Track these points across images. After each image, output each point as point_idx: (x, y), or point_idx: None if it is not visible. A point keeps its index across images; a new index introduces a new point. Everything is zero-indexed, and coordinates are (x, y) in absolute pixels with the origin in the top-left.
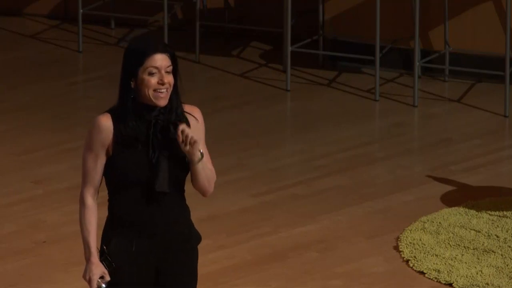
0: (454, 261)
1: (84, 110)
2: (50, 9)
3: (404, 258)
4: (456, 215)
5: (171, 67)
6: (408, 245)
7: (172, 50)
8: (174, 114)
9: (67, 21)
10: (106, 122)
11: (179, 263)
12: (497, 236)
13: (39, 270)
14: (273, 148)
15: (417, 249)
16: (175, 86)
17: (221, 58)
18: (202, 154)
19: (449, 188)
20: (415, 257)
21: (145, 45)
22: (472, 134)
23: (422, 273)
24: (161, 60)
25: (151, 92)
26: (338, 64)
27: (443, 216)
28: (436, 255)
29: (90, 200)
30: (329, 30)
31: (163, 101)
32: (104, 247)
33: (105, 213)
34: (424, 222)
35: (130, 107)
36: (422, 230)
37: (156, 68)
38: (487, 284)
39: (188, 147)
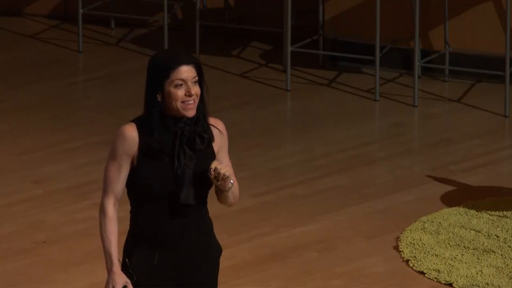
0: (454, 261)
1: (84, 110)
2: (50, 9)
3: (404, 258)
4: (456, 215)
5: (197, 78)
6: (408, 245)
7: (197, 60)
8: (200, 125)
9: (67, 21)
10: (132, 133)
11: (201, 276)
12: (497, 236)
13: (39, 270)
14: (273, 148)
15: (417, 249)
16: (201, 96)
17: (221, 58)
18: (232, 184)
19: (449, 188)
20: (415, 257)
21: (170, 58)
22: (472, 134)
23: (422, 273)
24: (187, 71)
25: (179, 104)
26: (338, 64)
27: (443, 216)
28: (436, 255)
29: (111, 210)
30: (329, 30)
31: (191, 112)
32: (126, 259)
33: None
34: (424, 222)
35: (157, 120)
36: (422, 230)
37: (183, 80)
38: (487, 284)
39: (220, 182)
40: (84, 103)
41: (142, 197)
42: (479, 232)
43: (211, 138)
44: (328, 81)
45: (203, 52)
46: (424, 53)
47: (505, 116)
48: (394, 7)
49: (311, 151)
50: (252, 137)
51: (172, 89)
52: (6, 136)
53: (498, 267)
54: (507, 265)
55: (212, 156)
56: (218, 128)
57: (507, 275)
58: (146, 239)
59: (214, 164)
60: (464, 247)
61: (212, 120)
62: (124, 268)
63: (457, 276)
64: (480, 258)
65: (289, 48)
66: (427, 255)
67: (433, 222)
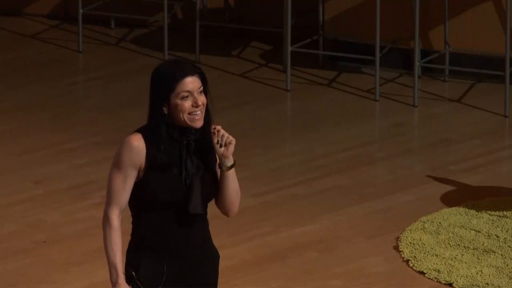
0: (454, 261)
1: (84, 110)
2: (50, 9)
3: (404, 258)
4: (456, 215)
5: (202, 87)
6: (408, 245)
7: (200, 69)
8: (205, 134)
9: (67, 21)
10: (139, 144)
11: (206, 283)
12: (497, 236)
13: (39, 270)
14: (273, 148)
15: (417, 249)
16: (206, 105)
17: (221, 58)
18: (234, 161)
19: (449, 188)
20: (415, 257)
21: (173, 70)
22: (472, 134)
23: (422, 273)
24: (192, 83)
25: (186, 116)
26: (338, 64)
27: (443, 216)
28: (436, 255)
29: (116, 221)
30: (329, 30)
31: (199, 123)
32: (133, 272)
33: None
34: (424, 222)
35: (164, 132)
36: (422, 230)
37: (188, 91)
38: (487, 284)
39: (223, 148)
40: (84, 103)
41: (148, 207)
42: (479, 232)
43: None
44: (328, 81)
45: (203, 52)
46: (424, 53)
47: (505, 116)
48: (394, 7)
49: (311, 151)
50: (252, 137)
51: (179, 101)
52: (6, 136)
53: (498, 267)
54: (507, 265)
55: (215, 163)
56: None
57: (507, 275)
58: (152, 249)
59: (218, 127)
60: (464, 247)
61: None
62: (131, 281)
63: (457, 276)
64: (480, 258)
65: (289, 48)
66: (427, 255)
67: (433, 222)
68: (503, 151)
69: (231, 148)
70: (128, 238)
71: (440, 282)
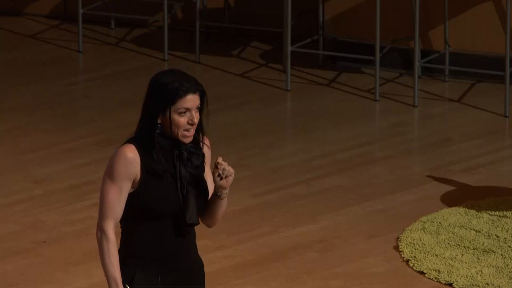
0: (454, 261)
1: (84, 110)
2: (50, 9)
3: (404, 258)
4: (456, 215)
5: (199, 104)
6: (408, 245)
7: (202, 86)
8: (196, 143)
9: (67, 21)
10: (134, 155)
11: None
12: (497, 236)
13: (39, 270)
14: (273, 148)
15: (417, 249)
16: (200, 120)
17: (221, 58)
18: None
19: (449, 188)
20: (415, 257)
21: (176, 84)
22: (472, 134)
23: (422, 273)
24: (192, 100)
25: (180, 132)
26: (338, 64)
27: (443, 216)
28: (436, 255)
29: (112, 235)
30: (329, 30)
31: (189, 139)
32: (127, 285)
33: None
34: (424, 222)
35: (157, 142)
36: (422, 230)
37: (187, 108)
38: (487, 284)
39: (223, 181)
40: (84, 103)
41: (142, 218)
42: (479, 232)
43: (204, 155)
44: (328, 81)
45: (203, 52)
46: (424, 53)
47: (505, 116)
48: (394, 7)
49: (311, 151)
50: (252, 137)
51: (176, 116)
52: (6, 136)
53: (498, 267)
54: (507, 265)
55: (204, 171)
56: (206, 144)
57: (507, 275)
58: (145, 261)
59: (219, 159)
60: (464, 247)
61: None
62: None
63: (457, 276)
64: (480, 258)
65: (289, 48)
66: (427, 255)
67: (433, 222)
68: (503, 151)
69: (230, 180)
70: None
71: (440, 282)
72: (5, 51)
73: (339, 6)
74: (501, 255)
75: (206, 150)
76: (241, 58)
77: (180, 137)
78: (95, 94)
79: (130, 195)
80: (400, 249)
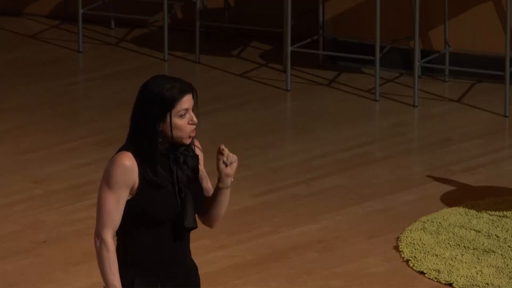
0: (454, 261)
1: (84, 110)
2: (50, 9)
3: (404, 258)
4: (456, 215)
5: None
6: (408, 245)
7: (192, 85)
8: (190, 148)
9: (67, 21)
10: (132, 163)
11: None
12: (497, 236)
13: (39, 270)
14: (273, 148)
15: (417, 249)
16: None
17: (221, 58)
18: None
19: (449, 188)
20: (415, 257)
21: (171, 88)
22: (472, 134)
23: (422, 273)
24: (189, 100)
25: (184, 134)
26: (338, 64)
27: (443, 216)
28: (436, 255)
29: (112, 243)
30: (329, 30)
31: (190, 140)
32: None
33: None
34: (424, 222)
35: (159, 150)
36: (422, 230)
37: (186, 109)
38: (487, 284)
39: (228, 168)
40: (84, 103)
41: (140, 224)
42: (479, 232)
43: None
44: (328, 81)
45: (203, 52)
46: (424, 53)
47: (505, 116)
48: (394, 7)
49: (311, 151)
50: (252, 137)
51: (177, 120)
52: (6, 136)
53: (498, 267)
54: (507, 265)
55: (198, 174)
56: (197, 146)
57: (507, 275)
58: (143, 268)
59: (222, 146)
60: (464, 247)
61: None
62: None
63: (457, 276)
64: (480, 258)
65: (289, 48)
66: (427, 255)
67: (433, 222)
68: (503, 151)
69: (234, 166)
70: None
71: (440, 282)
72: (5, 51)
73: (339, 6)
74: (501, 255)
75: (198, 152)
76: (241, 58)
77: (183, 140)
78: (95, 94)
79: (128, 202)
80: (400, 249)
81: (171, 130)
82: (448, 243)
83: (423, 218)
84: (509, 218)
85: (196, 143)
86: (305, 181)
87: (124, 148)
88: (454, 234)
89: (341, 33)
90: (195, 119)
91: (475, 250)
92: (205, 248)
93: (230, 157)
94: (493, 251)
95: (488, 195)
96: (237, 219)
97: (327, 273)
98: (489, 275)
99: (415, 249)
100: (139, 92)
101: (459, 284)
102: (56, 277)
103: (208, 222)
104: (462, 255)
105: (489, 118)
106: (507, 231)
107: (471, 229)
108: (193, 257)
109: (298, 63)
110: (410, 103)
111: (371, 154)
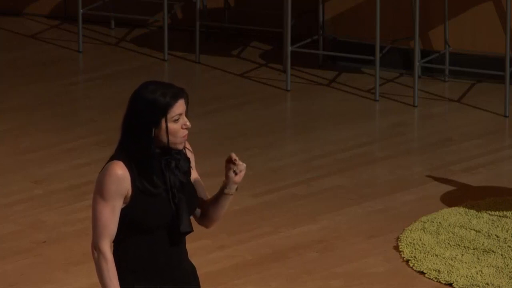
0: (454, 261)
1: (84, 110)
2: (50, 9)
3: (404, 258)
4: (456, 215)
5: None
6: (408, 245)
7: (184, 90)
8: (181, 152)
9: (67, 21)
10: (124, 172)
11: None
12: (497, 236)
13: (39, 270)
14: (273, 148)
15: (417, 249)
16: None
17: (221, 58)
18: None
19: (449, 188)
20: (415, 257)
21: (164, 94)
22: (472, 134)
23: (422, 273)
24: (182, 105)
25: (178, 139)
26: (338, 64)
27: (443, 216)
28: (436, 255)
29: (110, 254)
30: (329, 30)
31: (183, 145)
32: None
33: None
34: (424, 222)
35: (154, 157)
36: (422, 230)
37: (180, 114)
38: (487, 284)
39: (237, 176)
40: (84, 103)
41: (135, 231)
42: (479, 232)
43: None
44: (328, 81)
45: (203, 52)
46: (424, 53)
47: (505, 116)
48: (394, 7)
49: (311, 151)
50: (252, 137)
51: (171, 125)
52: (6, 136)
53: (498, 267)
54: (507, 265)
55: (189, 176)
56: (189, 148)
57: (507, 275)
58: (141, 274)
59: (234, 155)
60: (464, 247)
61: None
62: None
63: (457, 276)
64: (480, 258)
65: (289, 48)
66: (427, 255)
67: (433, 222)
68: (503, 151)
69: (243, 174)
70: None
71: (440, 282)
72: (5, 51)
73: (339, 6)
74: (501, 255)
75: (190, 154)
76: (241, 58)
77: (177, 145)
78: (95, 94)
79: (121, 211)
80: (400, 249)
81: (167, 135)
82: (448, 243)
83: (423, 218)
84: (509, 218)
85: (187, 145)
86: (305, 181)
87: (115, 157)
88: (454, 234)
89: (341, 33)
90: (188, 123)
91: (475, 250)
92: (205, 248)
93: (240, 165)
94: (493, 251)
95: (488, 195)
96: (237, 219)
97: (327, 273)
98: (489, 275)
99: (415, 249)
100: (131, 100)
101: (459, 284)
102: (56, 277)
103: (205, 223)
104: (462, 255)
105: (489, 118)
106: (507, 231)
107: (471, 229)
108: (193, 257)
109: (298, 63)
110: (410, 103)
111: (371, 154)
